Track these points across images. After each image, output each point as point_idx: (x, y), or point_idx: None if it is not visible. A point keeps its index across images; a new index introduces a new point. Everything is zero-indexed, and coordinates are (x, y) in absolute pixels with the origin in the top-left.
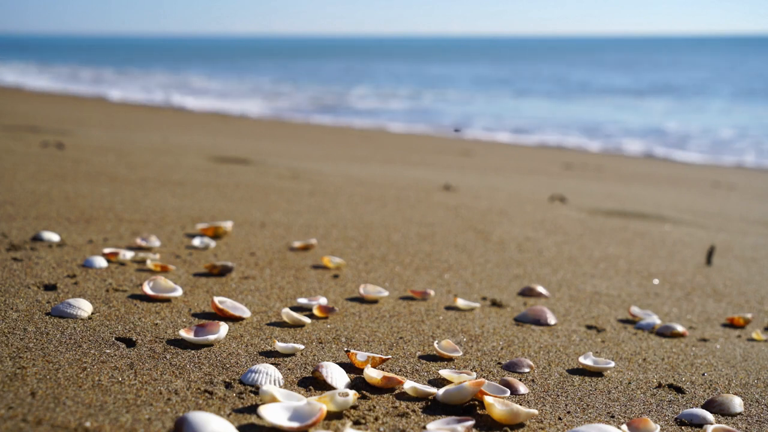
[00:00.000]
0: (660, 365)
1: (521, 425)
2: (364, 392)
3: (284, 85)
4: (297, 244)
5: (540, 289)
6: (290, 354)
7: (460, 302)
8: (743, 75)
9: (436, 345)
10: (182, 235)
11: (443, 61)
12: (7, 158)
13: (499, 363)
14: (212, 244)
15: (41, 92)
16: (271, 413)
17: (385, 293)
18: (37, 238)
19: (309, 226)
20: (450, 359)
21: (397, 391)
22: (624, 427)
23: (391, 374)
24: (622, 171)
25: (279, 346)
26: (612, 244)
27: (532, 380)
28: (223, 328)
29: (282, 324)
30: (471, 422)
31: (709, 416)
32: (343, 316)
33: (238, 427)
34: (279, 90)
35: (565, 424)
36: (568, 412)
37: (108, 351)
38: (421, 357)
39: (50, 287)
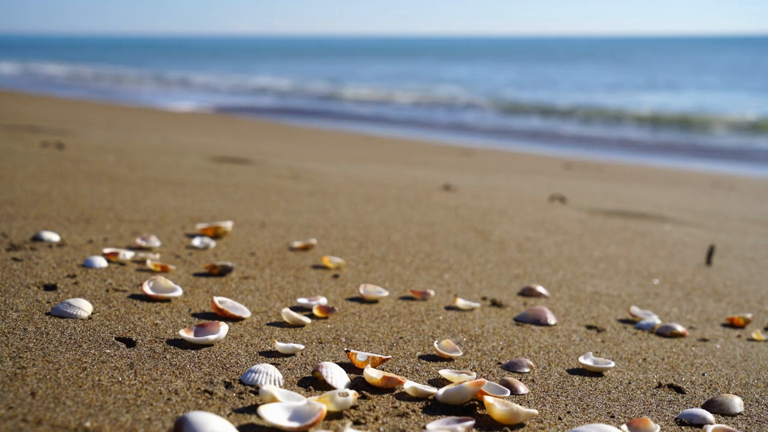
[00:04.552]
0: (660, 365)
1: (521, 425)
2: (364, 392)
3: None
4: (297, 244)
5: (540, 289)
6: (290, 354)
7: (460, 302)
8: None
9: (436, 345)
10: (182, 235)
11: (463, 62)
12: (7, 158)
13: (499, 363)
14: (212, 244)
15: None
16: (271, 413)
17: (385, 293)
18: (37, 238)
19: (309, 226)
20: (450, 359)
21: (397, 391)
22: (624, 427)
23: (391, 374)
24: (622, 171)
25: (279, 346)
26: (612, 244)
27: (532, 380)
28: (223, 328)
29: (282, 324)
30: (471, 422)
31: (709, 416)
32: (343, 316)
33: (238, 427)
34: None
35: (565, 424)
36: (568, 412)
37: (108, 351)
38: (421, 357)
39: (50, 287)
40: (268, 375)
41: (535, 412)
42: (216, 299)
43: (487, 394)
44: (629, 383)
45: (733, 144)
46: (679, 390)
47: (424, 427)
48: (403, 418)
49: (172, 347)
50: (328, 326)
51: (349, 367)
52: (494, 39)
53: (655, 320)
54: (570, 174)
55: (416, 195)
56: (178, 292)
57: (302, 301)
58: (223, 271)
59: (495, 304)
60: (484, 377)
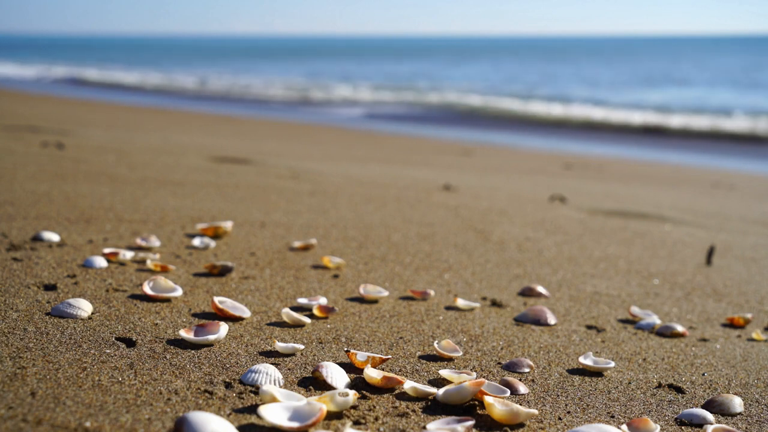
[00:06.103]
0: (660, 365)
1: (521, 425)
2: (364, 392)
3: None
4: (297, 244)
5: (540, 289)
6: (290, 354)
7: (460, 302)
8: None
9: (436, 345)
10: (182, 235)
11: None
12: (7, 158)
13: (499, 363)
14: (212, 244)
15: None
16: (271, 413)
17: (385, 293)
18: (37, 238)
19: (309, 226)
20: (450, 359)
21: (397, 391)
22: (624, 427)
23: (391, 374)
24: (622, 171)
25: (279, 346)
26: (612, 244)
27: (532, 380)
28: (223, 328)
29: (282, 324)
30: (471, 422)
31: (709, 416)
32: (343, 316)
33: (238, 427)
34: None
35: (565, 424)
36: (568, 412)
37: (108, 351)
38: (421, 357)
39: (50, 287)
40: (268, 375)
41: (535, 412)
42: (216, 299)
43: (487, 394)
44: (629, 383)
45: None
46: (679, 390)
47: (424, 427)
48: (403, 418)
49: (172, 347)
50: (328, 326)
51: (349, 367)
52: (494, 39)
53: (655, 320)
54: (570, 174)
55: (416, 195)
56: (178, 292)
57: (302, 301)
58: (223, 271)
59: (495, 304)
60: (484, 377)
